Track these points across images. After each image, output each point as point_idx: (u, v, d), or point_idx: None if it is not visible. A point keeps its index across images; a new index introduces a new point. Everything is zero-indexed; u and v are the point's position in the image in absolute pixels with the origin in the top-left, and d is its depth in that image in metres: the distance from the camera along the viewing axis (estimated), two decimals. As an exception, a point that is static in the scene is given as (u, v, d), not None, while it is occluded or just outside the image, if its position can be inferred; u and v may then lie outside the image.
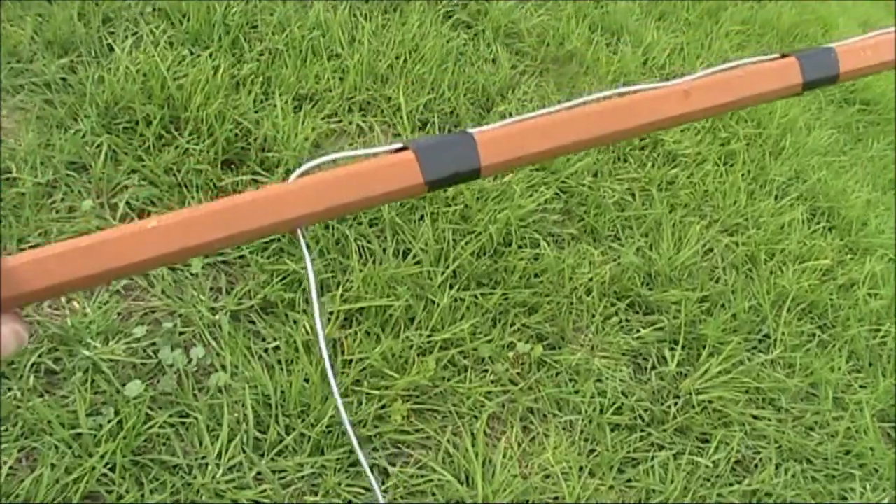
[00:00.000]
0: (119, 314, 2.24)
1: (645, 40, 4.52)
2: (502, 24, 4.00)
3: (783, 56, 1.10)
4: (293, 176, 0.82)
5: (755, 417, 2.74)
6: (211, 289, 2.40)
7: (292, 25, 3.31)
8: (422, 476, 2.19)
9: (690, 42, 4.82)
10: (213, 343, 2.26)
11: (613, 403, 2.57)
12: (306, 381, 2.23)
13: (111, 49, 2.94)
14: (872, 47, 1.14)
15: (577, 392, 2.56)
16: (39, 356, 2.08)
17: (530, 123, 0.93)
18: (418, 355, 2.42)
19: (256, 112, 2.91)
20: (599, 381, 2.62)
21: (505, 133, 0.91)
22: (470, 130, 0.89)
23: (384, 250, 2.64)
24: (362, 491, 2.11)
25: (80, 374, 2.07)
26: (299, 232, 0.84)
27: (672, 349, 2.81)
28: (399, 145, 0.87)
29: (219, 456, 2.05)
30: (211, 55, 3.03)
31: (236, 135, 2.79)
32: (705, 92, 1.02)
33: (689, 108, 1.01)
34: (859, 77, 1.16)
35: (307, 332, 2.34)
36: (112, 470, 1.94)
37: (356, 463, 2.16)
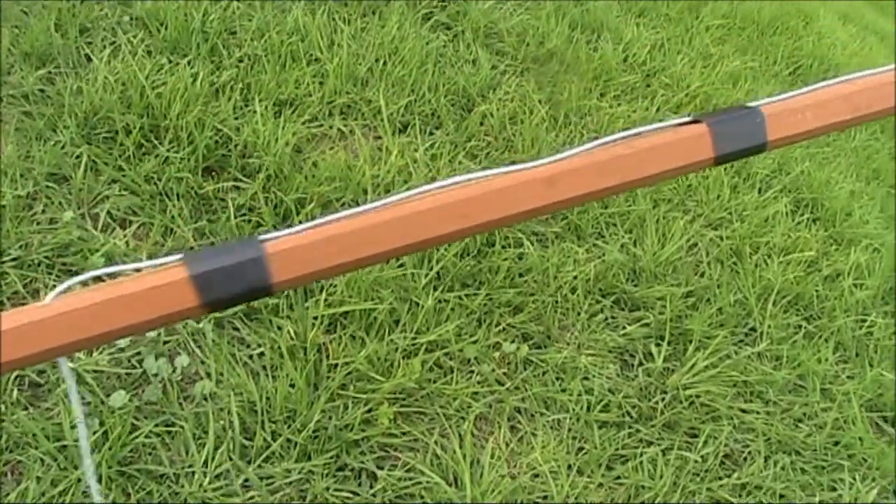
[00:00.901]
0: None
1: (625, 37, 4.52)
2: (482, 25, 4.00)
3: (693, 121, 0.92)
4: (51, 296, 0.71)
5: (743, 411, 2.74)
6: (194, 297, 2.39)
7: (271, 31, 3.31)
8: (410, 479, 2.19)
9: (671, 37, 4.83)
10: (198, 351, 2.26)
11: (601, 401, 2.57)
12: (292, 386, 2.23)
13: (89, 59, 2.93)
14: (814, 108, 0.94)
15: (564, 390, 2.56)
16: (23, 369, 2.07)
17: (340, 227, 0.79)
18: (404, 358, 2.41)
19: (236, 118, 2.90)
20: (586, 378, 2.62)
21: (305, 243, 0.78)
22: (261, 237, 0.77)
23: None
24: (350, 495, 2.11)
25: (65, 386, 2.06)
26: (63, 365, 0.75)
27: (658, 345, 2.81)
28: (179, 256, 0.75)
29: (205, 464, 2.04)
30: (189, 63, 3.03)
31: (216, 142, 2.79)
32: (576, 177, 0.85)
33: (555, 199, 0.84)
34: (795, 143, 0.96)
35: (292, 338, 2.34)
36: (98, 481, 1.93)
37: (343, 467, 2.16)
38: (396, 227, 0.79)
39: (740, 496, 2.51)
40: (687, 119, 0.92)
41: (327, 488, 2.09)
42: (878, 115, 0.97)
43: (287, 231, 0.78)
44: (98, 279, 0.77)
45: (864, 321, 3.36)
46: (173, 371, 2.20)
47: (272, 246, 0.76)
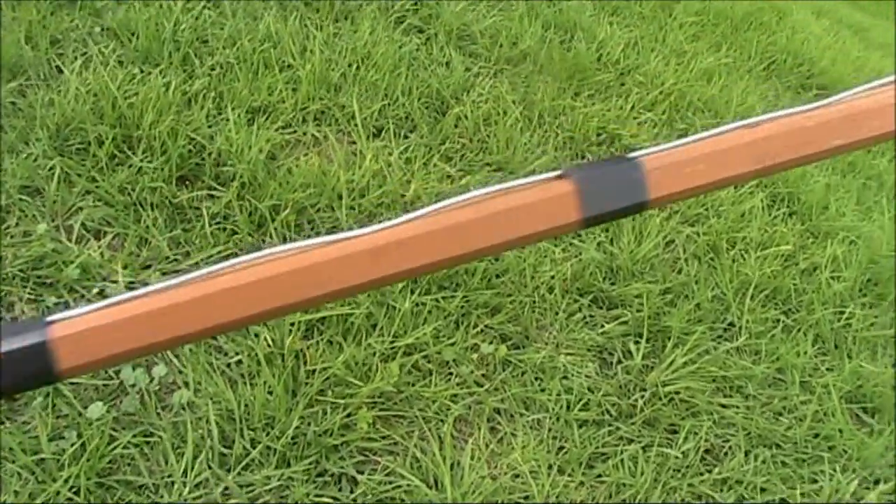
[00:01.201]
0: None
1: (598, 36, 4.53)
2: (454, 27, 4.00)
3: (560, 176, 0.78)
4: None
5: (723, 406, 2.75)
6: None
7: (243, 39, 3.30)
8: (390, 482, 2.19)
9: (645, 35, 4.84)
10: (175, 360, 2.25)
11: (580, 399, 2.57)
12: (270, 393, 2.22)
13: (60, 71, 2.93)
14: (709, 158, 0.80)
15: (543, 390, 2.56)
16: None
17: (135, 308, 0.68)
18: (382, 362, 2.41)
19: (210, 127, 2.90)
20: (565, 377, 2.63)
21: (96, 325, 0.67)
22: (49, 318, 0.68)
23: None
24: (331, 501, 2.10)
25: (41, 399, 2.06)
26: None
27: (637, 342, 2.82)
28: None
29: (185, 473, 2.03)
30: (161, 72, 3.03)
31: (190, 151, 2.78)
32: (407, 249, 0.73)
33: (381, 274, 0.73)
34: (688, 198, 0.87)
35: (269, 345, 2.33)
36: (77, 493, 1.93)
37: (323, 473, 2.15)
38: (193, 310, 0.69)
39: (721, 491, 2.51)
40: (554, 174, 0.79)
41: (307, 494, 2.09)
42: (788, 165, 0.83)
43: (81, 310, 0.68)
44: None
45: (843, 313, 3.37)
46: (151, 381, 2.19)
47: (59, 329, 0.67)
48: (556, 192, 0.77)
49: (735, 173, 0.81)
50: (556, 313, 2.81)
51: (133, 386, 2.16)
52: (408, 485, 2.19)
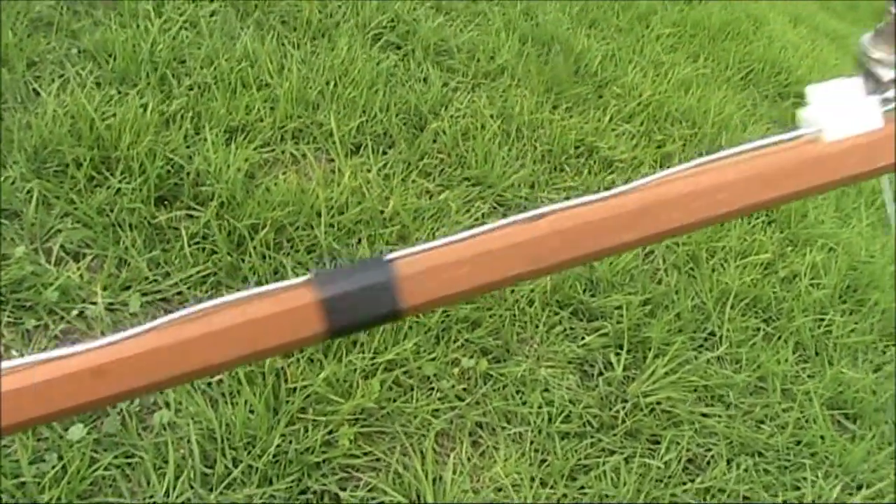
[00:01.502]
0: (58, 359, 2.22)
1: (576, 49, 4.54)
2: (432, 43, 4.01)
3: (306, 283, 0.75)
4: None
5: (704, 415, 2.76)
6: (150, 327, 2.38)
7: (220, 58, 3.31)
8: (372, 499, 2.19)
9: (622, 48, 4.86)
10: (156, 381, 2.25)
11: (562, 412, 2.58)
12: (251, 412, 2.22)
13: (37, 93, 2.92)
14: (473, 261, 0.73)
15: (524, 403, 2.57)
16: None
17: None
18: (362, 378, 2.42)
19: (188, 147, 2.90)
20: (546, 390, 2.63)
21: None
22: None
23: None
24: (313, 518, 2.11)
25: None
26: None
27: (618, 354, 2.82)
28: None
29: (167, 494, 2.03)
30: (139, 93, 3.03)
31: (168, 171, 2.78)
32: (132, 366, 0.68)
33: (104, 394, 0.68)
34: (452, 304, 0.77)
35: (249, 364, 2.33)
36: (57, 516, 1.93)
37: (305, 490, 2.16)
38: None
39: (704, 500, 2.52)
40: (301, 280, 0.75)
41: (290, 512, 2.09)
42: (574, 262, 0.78)
43: None
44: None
45: (823, 320, 3.39)
46: (131, 402, 2.19)
47: None
48: (298, 303, 0.73)
49: (505, 276, 0.76)
50: (537, 326, 2.82)
51: (114, 407, 2.16)
52: (390, 500, 2.19)
